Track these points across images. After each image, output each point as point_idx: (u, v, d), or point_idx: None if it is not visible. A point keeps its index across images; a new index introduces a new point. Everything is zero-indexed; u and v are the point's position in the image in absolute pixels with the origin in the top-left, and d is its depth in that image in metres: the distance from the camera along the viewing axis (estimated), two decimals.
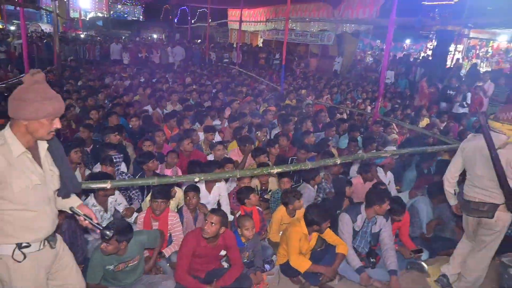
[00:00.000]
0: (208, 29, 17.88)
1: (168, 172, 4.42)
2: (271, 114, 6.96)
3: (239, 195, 3.76)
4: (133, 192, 4.03)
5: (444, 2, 15.56)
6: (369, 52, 17.06)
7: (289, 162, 4.80)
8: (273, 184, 4.52)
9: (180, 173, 4.52)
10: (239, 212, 3.74)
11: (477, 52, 18.18)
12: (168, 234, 3.42)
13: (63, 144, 2.07)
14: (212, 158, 4.86)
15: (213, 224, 2.89)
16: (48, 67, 11.29)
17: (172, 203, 3.84)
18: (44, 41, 14.98)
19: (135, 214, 3.70)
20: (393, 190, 4.68)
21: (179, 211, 3.62)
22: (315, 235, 3.39)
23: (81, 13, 27.10)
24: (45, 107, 1.77)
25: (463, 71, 13.97)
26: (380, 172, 4.77)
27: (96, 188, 2.74)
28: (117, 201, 3.62)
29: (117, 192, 3.62)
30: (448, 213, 3.90)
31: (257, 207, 3.83)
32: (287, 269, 3.36)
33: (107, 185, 2.52)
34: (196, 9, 26.84)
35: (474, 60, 17.01)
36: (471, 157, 2.99)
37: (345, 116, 8.01)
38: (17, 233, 1.84)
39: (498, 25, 14.08)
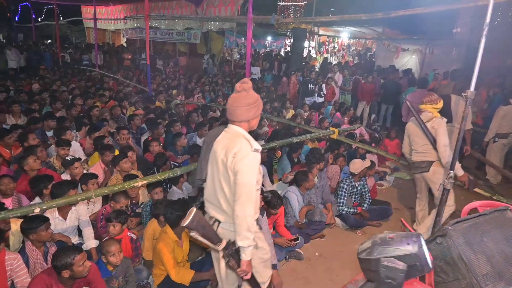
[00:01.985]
0: (57, 28, 15.69)
1: (7, 201, 3.58)
2: (139, 118, 6.43)
3: (106, 221, 3.25)
4: None
5: (296, 3, 17.10)
6: (235, 49, 17.58)
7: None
8: (144, 196, 4.12)
9: (25, 200, 3.72)
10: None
11: (327, 47, 20.60)
12: (9, 283, 2.73)
13: None
14: (68, 177, 4.17)
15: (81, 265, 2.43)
16: None
17: (13, 240, 3.10)
18: None
19: None
20: (267, 183, 4.80)
21: (22, 249, 2.92)
22: (186, 238, 3.17)
23: None
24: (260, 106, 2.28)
25: (317, 65, 15.61)
26: None
27: None
28: None
29: None
30: (315, 198, 4.16)
31: (130, 234, 3.35)
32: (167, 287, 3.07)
33: None
34: (42, 5, 23.35)
35: (325, 55, 19.23)
36: (412, 133, 4.14)
37: (218, 114, 7.99)
38: None
39: (338, 24, 16.22)
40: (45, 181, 3.60)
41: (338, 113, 8.02)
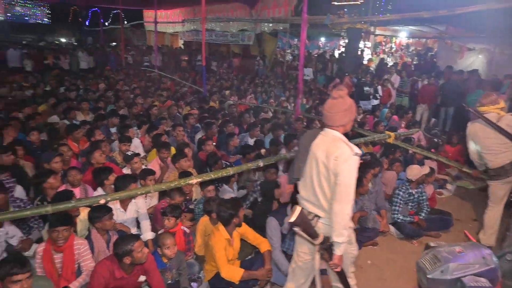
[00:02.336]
0: (122, 31, 16.81)
1: (75, 191, 3.89)
2: (194, 118, 6.67)
3: (162, 214, 3.42)
4: (32, 219, 3.46)
5: (351, 3, 16.66)
6: (288, 51, 17.54)
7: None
8: (198, 193, 4.26)
9: (90, 190, 4.02)
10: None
11: (383, 48, 19.79)
12: (77, 266, 2.97)
13: None
14: (129, 172, 4.44)
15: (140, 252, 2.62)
16: None
17: (80, 227, 3.37)
18: None
19: (34, 246, 3.18)
20: None
21: (88, 236, 3.17)
22: (237, 236, 3.22)
23: None
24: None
25: (373, 66, 15.07)
26: None
27: None
28: (8, 234, 3.05)
29: (6, 224, 3.05)
30: (369, 204, 4.02)
31: (183, 228, 3.48)
32: (217, 284, 3.15)
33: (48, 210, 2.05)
34: (109, 10, 25.13)
35: (381, 55, 18.50)
36: (479, 134, 3.88)
37: (270, 114, 8.03)
38: None
39: (397, 23, 15.48)
40: (105, 173, 3.89)
41: (395, 116, 7.67)
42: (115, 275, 2.65)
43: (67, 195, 3.25)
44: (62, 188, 3.81)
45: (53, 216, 2.77)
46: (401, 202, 4.38)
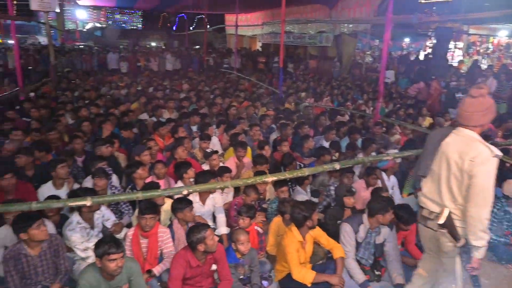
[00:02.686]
0: (205, 35, 17.78)
1: (160, 183, 4.22)
2: (270, 118, 6.78)
3: (237, 214, 3.53)
4: (124, 206, 3.85)
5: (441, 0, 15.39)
6: (368, 52, 16.84)
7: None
8: (271, 193, 4.32)
9: (173, 183, 4.33)
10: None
11: (478, 48, 17.92)
12: (159, 252, 3.22)
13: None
14: (207, 168, 4.69)
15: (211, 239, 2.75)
16: (44, 79, 11.18)
17: (163, 216, 3.64)
18: (40, 53, 14.91)
19: (125, 230, 3.52)
20: (397, 196, 4.46)
21: (170, 226, 3.41)
22: (310, 239, 3.18)
23: (78, 24, 27.09)
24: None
25: (464, 68, 13.73)
26: (383, 176, 4.55)
27: (75, 206, 2.56)
28: (104, 216, 3.43)
29: (103, 207, 3.43)
30: None
31: (257, 228, 3.55)
32: (287, 284, 3.16)
33: (87, 202, 2.33)
34: (194, 15, 26.80)
35: (475, 57, 16.75)
36: None
37: (347, 118, 7.81)
38: None
39: (496, 21, 13.87)
40: (185, 167, 4.15)
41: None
42: (191, 263, 2.81)
43: (154, 186, 3.54)
44: (149, 179, 4.17)
45: (142, 203, 3.05)
46: (495, 220, 3.92)
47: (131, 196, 2.56)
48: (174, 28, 29.53)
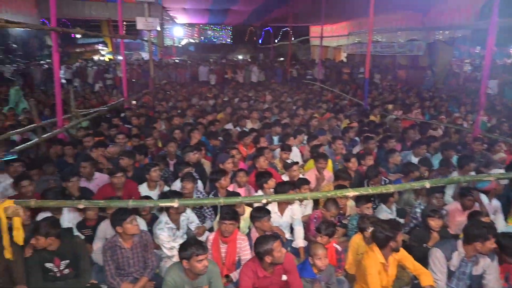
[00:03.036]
0: (289, 47, 18.05)
1: (241, 191, 4.36)
2: (353, 131, 6.56)
3: (316, 230, 3.45)
4: (207, 210, 4.06)
5: None
6: (467, 60, 15.27)
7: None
8: (352, 209, 4.15)
9: (253, 192, 4.43)
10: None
11: None
12: (237, 258, 3.31)
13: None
14: (287, 178, 4.70)
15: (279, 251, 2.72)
16: (144, 90, 12.49)
17: (242, 224, 3.74)
18: (142, 68, 16.71)
19: (206, 233, 3.70)
20: (501, 222, 3.92)
21: (248, 234, 3.49)
22: (394, 262, 2.95)
23: (174, 40, 29.79)
24: None
25: None
26: (484, 199, 4.04)
27: (164, 207, 2.78)
28: (189, 219, 3.65)
29: (189, 210, 3.66)
30: None
31: (335, 245, 3.44)
32: None
33: (175, 204, 2.52)
34: (279, 28, 27.45)
35: None
36: None
37: (440, 132, 7.15)
38: None
39: None
40: (266, 176, 4.20)
41: None
42: (258, 274, 2.82)
43: (235, 194, 3.67)
44: (231, 187, 4.34)
45: (223, 209, 3.18)
46: None
47: (214, 201, 2.69)
48: (260, 41, 30.60)
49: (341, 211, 4.07)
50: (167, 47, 26.73)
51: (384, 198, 4.14)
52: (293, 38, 19.65)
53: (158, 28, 11.33)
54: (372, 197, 4.11)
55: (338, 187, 4.01)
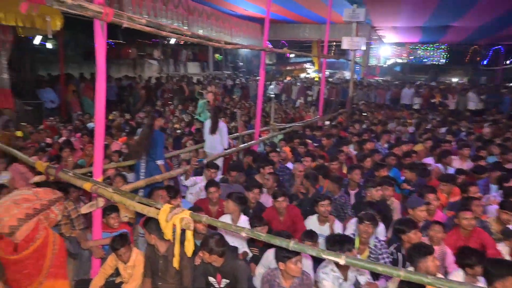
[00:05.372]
0: None
1: (437, 250, 3.41)
2: None
3: None
4: (385, 257, 3.35)
5: None
6: None
7: None
8: None
9: (450, 256, 3.41)
10: None
11: None
12: None
13: None
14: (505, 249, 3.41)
15: None
16: (340, 110, 12.37)
17: None
18: (342, 86, 16.74)
19: None
20: None
21: None
22: None
23: (379, 60, 28.70)
24: None
25: None
26: None
27: (328, 259, 2.33)
28: (359, 270, 3.07)
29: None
30: None
31: None
32: None
33: (340, 261, 2.05)
34: None
35: None
36: None
37: None
38: None
39: None
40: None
41: None
42: None
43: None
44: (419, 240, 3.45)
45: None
46: None
47: (392, 270, 2.03)
48: (484, 62, 25.81)
49: None
50: (371, 67, 26.05)
51: None
52: None
53: (363, 48, 10.96)
54: None
55: None
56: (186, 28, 12.73)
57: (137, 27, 3.18)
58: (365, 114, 12.14)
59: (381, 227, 3.84)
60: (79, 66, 15.18)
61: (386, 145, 7.29)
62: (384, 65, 29.25)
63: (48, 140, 7.43)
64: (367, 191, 4.36)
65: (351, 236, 3.38)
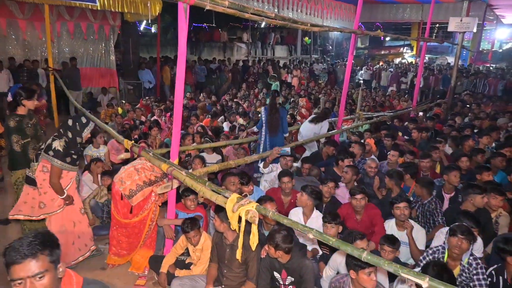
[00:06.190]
0: None
1: None
2: None
3: None
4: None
5: None
6: None
7: None
8: None
9: None
10: None
11: None
12: None
13: None
14: None
15: None
16: (439, 100, 11.06)
17: None
18: (442, 74, 14.94)
19: None
20: None
21: None
22: None
23: (493, 44, 24.80)
24: None
25: None
26: None
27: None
28: None
29: None
30: None
31: None
32: None
33: (423, 283, 1.73)
34: None
35: None
36: None
37: None
38: None
39: None
40: None
41: None
42: None
43: None
44: None
45: None
46: None
47: None
48: None
49: None
50: (481, 52, 22.72)
51: None
52: None
53: (474, 30, 9.47)
54: None
55: None
56: (276, 10, 12.54)
57: (219, 10, 3.11)
58: (469, 106, 10.64)
59: (478, 242, 3.27)
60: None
61: (493, 144, 6.26)
62: (500, 50, 25.28)
63: (143, 118, 8.06)
64: (468, 197, 3.73)
65: (440, 247, 2.93)
